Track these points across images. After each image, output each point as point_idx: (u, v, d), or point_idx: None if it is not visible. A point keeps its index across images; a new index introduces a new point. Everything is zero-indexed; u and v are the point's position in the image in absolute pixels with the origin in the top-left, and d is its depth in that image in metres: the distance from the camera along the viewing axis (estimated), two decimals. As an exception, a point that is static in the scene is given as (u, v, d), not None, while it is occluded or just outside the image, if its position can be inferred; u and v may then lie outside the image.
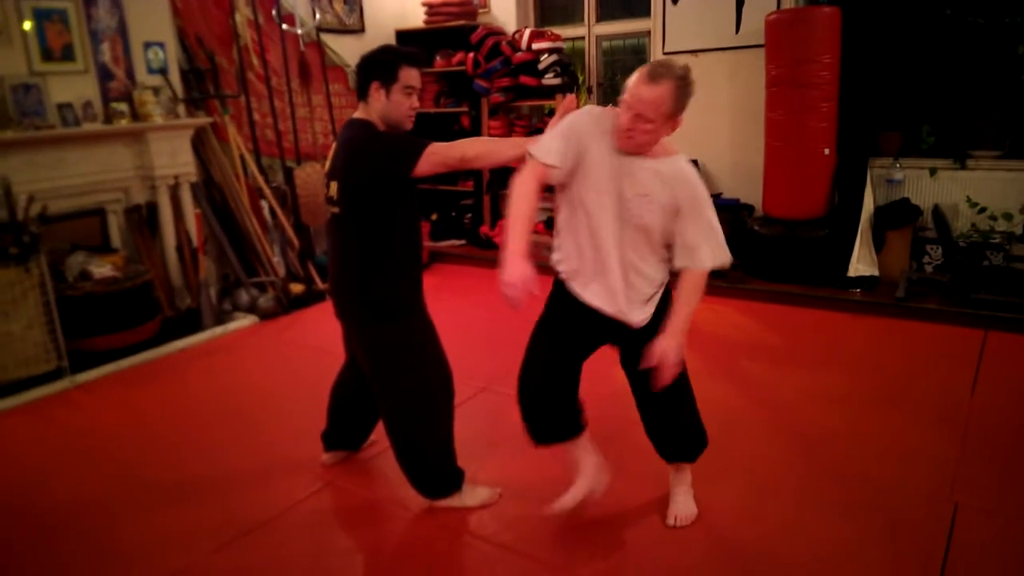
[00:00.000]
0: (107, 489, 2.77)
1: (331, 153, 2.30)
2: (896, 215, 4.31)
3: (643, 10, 5.67)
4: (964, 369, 3.40)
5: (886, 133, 4.47)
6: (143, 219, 4.65)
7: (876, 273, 4.35)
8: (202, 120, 4.84)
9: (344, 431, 2.76)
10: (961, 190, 4.29)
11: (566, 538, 2.30)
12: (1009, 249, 4.00)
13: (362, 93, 2.23)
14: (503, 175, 6.15)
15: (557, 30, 5.96)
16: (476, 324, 4.47)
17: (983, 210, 4.19)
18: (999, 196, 4.17)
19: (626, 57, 6.06)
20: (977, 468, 2.59)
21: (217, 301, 4.85)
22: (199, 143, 4.93)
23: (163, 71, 4.68)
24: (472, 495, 2.46)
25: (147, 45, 4.63)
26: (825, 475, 2.60)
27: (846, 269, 4.38)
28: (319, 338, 4.33)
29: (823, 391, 3.27)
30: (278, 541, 2.36)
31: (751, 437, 2.91)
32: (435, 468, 2.40)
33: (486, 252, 5.91)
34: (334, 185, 2.22)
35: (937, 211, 4.18)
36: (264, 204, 5.23)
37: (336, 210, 2.23)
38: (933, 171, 4.37)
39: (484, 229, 6.17)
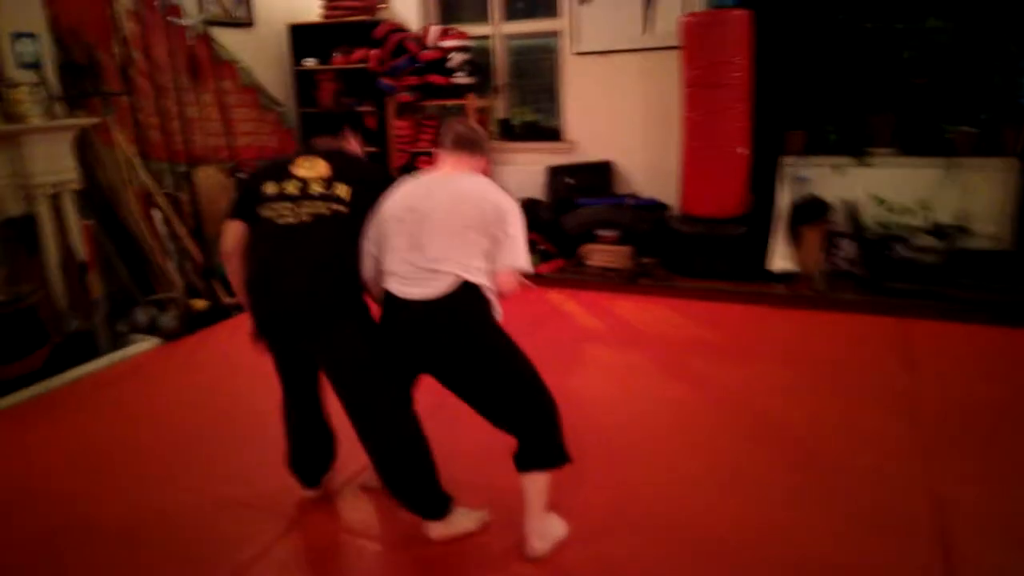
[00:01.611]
0: (12, 555, 2.40)
1: (308, 162, 2.31)
2: (808, 211, 4.54)
3: (549, 10, 5.66)
4: (890, 354, 3.63)
5: (793, 132, 4.70)
6: (19, 234, 4.09)
7: (794, 267, 4.56)
8: (86, 120, 4.33)
9: (319, 460, 2.54)
10: (863, 185, 4.59)
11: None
12: (913, 241, 4.31)
13: (337, 132, 2.62)
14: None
15: (463, 28, 5.83)
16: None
17: (883, 203, 4.50)
18: (898, 190, 4.50)
19: (535, 57, 6.03)
20: (939, 446, 2.75)
21: (109, 322, 4.36)
22: (81, 147, 4.41)
23: (37, 65, 4.14)
24: (467, 517, 2.32)
25: (16, 36, 4.07)
26: (794, 467, 2.66)
27: (763, 264, 4.57)
28: (232, 357, 3.99)
29: (768, 383, 3.38)
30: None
31: (709, 433, 2.95)
32: (428, 477, 2.23)
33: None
34: (343, 187, 2.24)
35: (849, 207, 4.45)
36: (156, 213, 4.76)
37: (341, 209, 2.23)
38: (837, 167, 4.64)
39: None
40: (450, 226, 2.13)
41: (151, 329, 4.42)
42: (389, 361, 2.22)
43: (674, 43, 4.92)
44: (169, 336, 4.38)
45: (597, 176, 5.47)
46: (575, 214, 5.27)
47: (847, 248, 4.51)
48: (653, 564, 2.18)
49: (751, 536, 2.27)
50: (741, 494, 2.50)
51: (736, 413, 3.10)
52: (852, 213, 4.57)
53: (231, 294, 4.95)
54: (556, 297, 4.85)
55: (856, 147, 4.60)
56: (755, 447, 2.81)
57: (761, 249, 4.60)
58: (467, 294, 2.09)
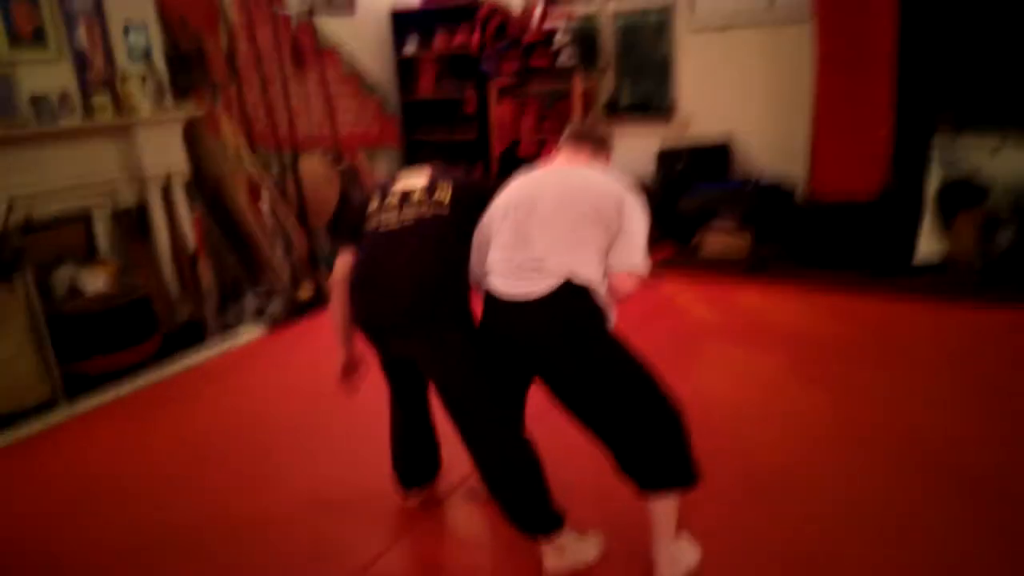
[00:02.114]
0: (117, 545, 2.35)
1: (409, 174, 2.29)
2: (962, 195, 4.03)
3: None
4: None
5: (944, 107, 4.17)
6: (134, 223, 4.16)
7: (943, 258, 4.06)
8: (195, 111, 4.35)
9: (424, 468, 2.38)
10: (1026, 166, 4.03)
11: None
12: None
13: None
14: (515, 163, 5.77)
15: (568, 7, 5.55)
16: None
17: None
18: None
19: (646, 34, 5.67)
20: None
21: (218, 311, 4.38)
22: (189, 137, 4.43)
23: (147, 56, 4.17)
24: (582, 543, 2.08)
25: (127, 28, 4.11)
26: (956, 497, 2.28)
27: (909, 254, 4.09)
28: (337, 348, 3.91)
29: (920, 393, 2.97)
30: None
31: (856, 452, 2.58)
32: (536, 491, 2.00)
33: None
34: (444, 190, 2.17)
35: (1010, 190, 3.91)
36: (263, 203, 4.75)
37: (443, 212, 2.13)
38: (995, 147, 4.09)
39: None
40: (561, 220, 1.94)
41: (258, 318, 4.41)
42: (495, 366, 2.03)
43: (802, 15, 4.49)
44: (275, 324, 4.37)
45: (714, 159, 5.08)
46: (690, 198, 4.92)
47: (1007, 237, 3.96)
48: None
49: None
50: (897, 532, 2.16)
51: (888, 428, 2.71)
52: (1015, 197, 4.02)
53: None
54: (669, 288, 4.53)
55: (1017, 123, 4.03)
56: (913, 474, 2.43)
57: (904, 237, 4.12)
58: (574, 295, 1.88)
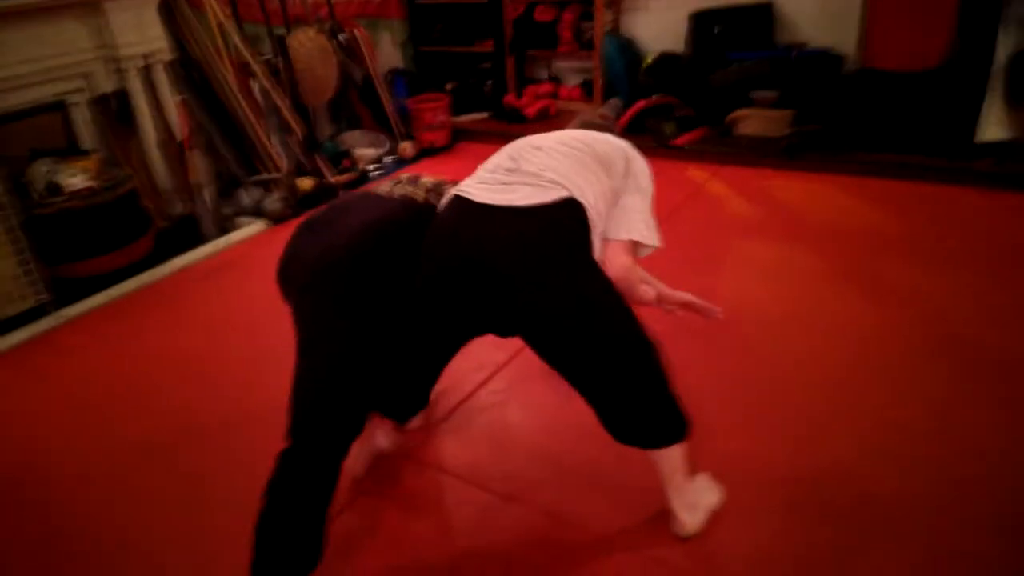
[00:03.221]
0: (110, 462, 2.22)
1: None
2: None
3: None
4: None
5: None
6: (114, 111, 3.83)
7: (1012, 136, 3.60)
8: (170, -20, 3.90)
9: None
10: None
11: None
12: None
13: None
14: (531, 30, 5.24)
15: None
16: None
17: None
18: None
19: None
20: None
21: (215, 205, 4.12)
22: (168, 12, 4.00)
23: (110, -83, 3.68)
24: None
25: None
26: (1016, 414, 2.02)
27: (971, 131, 3.63)
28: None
29: (977, 298, 2.65)
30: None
31: (904, 365, 2.31)
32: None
33: (514, 127, 5.08)
34: None
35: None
36: (255, 84, 4.36)
37: None
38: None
39: (509, 98, 5.30)
40: (566, 150, 1.66)
41: (256, 211, 4.15)
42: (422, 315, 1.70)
43: None
44: (275, 219, 4.11)
45: (754, 22, 4.51)
46: (725, 71, 4.42)
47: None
48: (835, 548, 1.68)
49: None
50: (957, 447, 1.92)
51: (941, 340, 2.43)
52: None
53: (337, 172, 4.60)
54: (698, 174, 4.14)
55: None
56: (970, 386, 2.17)
57: (966, 113, 3.65)
58: (575, 214, 1.54)
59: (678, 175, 4.12)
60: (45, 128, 3.62)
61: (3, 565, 1.89)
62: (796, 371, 2.32)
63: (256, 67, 4.30)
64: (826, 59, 4.19)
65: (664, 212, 3.55)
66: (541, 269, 1.47)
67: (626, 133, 4.19)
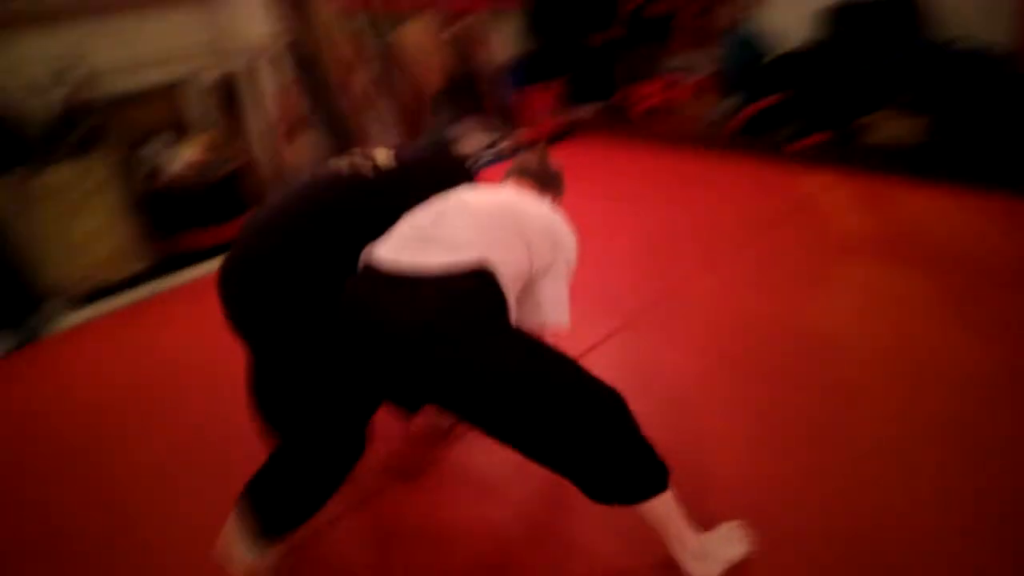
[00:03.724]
0: (171, 436, 2.30)
1: None
2: None
3: None
4: None
5: None
6: (225, 95, 4.03)
7: None
8: (284, -29, 4.03)
9: None
10: None
11: None
12: None
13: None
14: (647, 24, 4.98)
15: None
16: (621, 228, 3.59)
17: None
18: None
19: None
20: None
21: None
22: (281, 2, 4.14)
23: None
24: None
25: None
26: None
27: None
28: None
29: None
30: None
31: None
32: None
33: (618, 126, 4.87)
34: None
35: None
36: (363, 73, 4.43)
37: None
38: None
39: (618, 96, 5.07)
40: (490, 218, 1.54)
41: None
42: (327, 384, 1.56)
43: None
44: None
45: (896, 16, 4.01)
46: (856, 69, 3.97)
47: None
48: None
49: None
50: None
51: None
52: None
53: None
54: (813, 182, 3.75)
55: None
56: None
57: None
58: (485, 283, 1.43)
59: (788, 183, 3.75)
60: (159, 109, 3.86)
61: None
62: (874, 417, 2.01)
63: (364, 56, 4.37)
64: (978, 58, 3.64)
65: (769, 220, 3.26)
66: (456, 336, 1.35)
67: (740, 135, 3.87)
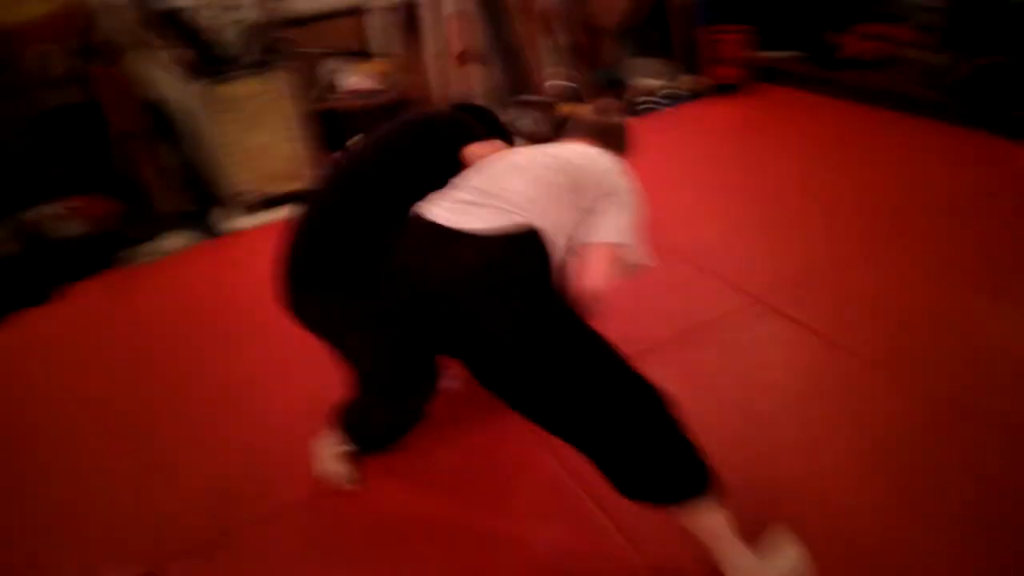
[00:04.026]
0: None
1: None
2: None
3: None
4: None
5: None
6: (407, 20, 4.08)
7: None
8: None
9: None
10: None
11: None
12: None
13: None
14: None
15: None
16: (786, 192, 3.24)
17: None
18: None
19: None
20: None
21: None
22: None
23: None
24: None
25: None
26: None
27: None
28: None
29: None
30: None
31: None
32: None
33: (829, 73, 4.31)
34: None
35: None
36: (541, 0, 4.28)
37: None
38: None
39: (830, 34, 4.46)
40: (540, 174, 1.49)
41: (514, 130, 4.18)
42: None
43: None
44: (527, 139, 4.09)
45: None
46: None
47: None
48: None
49: None
50: None
51: None
52: None
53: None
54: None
55: None
56: None
57: None
58: (533, 248, 1.37)
59: (1005, 153, 3.15)
60: (344, 31, 4.00)
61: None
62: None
63: (546, -15, 4.22)
64: None
65: (961, 207, 2.77)
66: (494, 297, 1.31)
67: (963, 97, 3.19)
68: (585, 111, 1.86)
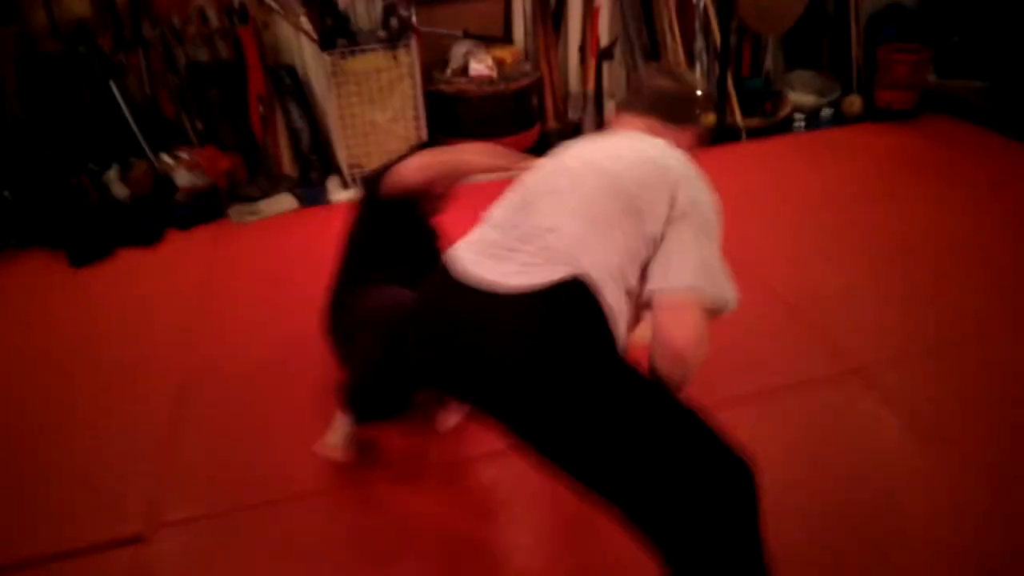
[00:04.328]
0: None
1: None
2: None
3: None
4: None
5: None
6: (551, 9, 3.93)
7: None
8: None
9: None
10: None
11: None
12: None
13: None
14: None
15: None
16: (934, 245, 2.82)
17: None
18: None
19: None
20: None
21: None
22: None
23: None
24: None
25: None
26: None
27: None
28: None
29: None
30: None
31: None
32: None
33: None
34: None
35: None
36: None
37: None
38: None
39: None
40: (594, 198, 1.22)
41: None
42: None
43: None
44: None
45: None
46: None
47: None
48: None
49: None
50: None
51: None
52: None
53: (759, 114, 4.02)
54: None
55: None
56: None
57: None
58: (581, 306, 1.12)
59: None
60: (487, 14, 3.93)
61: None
62: None
63: (701, -17, 3.91)
64: None
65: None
66: (539, 376, 1.10)
67: None
68: (652, 70, 1.55)
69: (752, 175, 3.48)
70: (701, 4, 3.94)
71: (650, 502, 1.06)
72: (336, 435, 1.83)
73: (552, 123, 4.02)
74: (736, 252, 1.40)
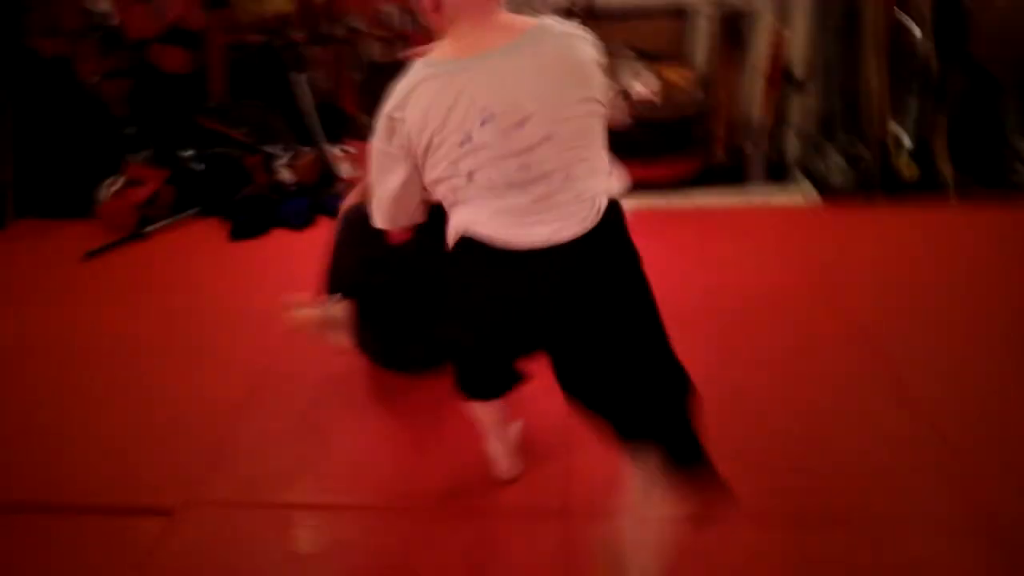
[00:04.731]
0: None
1: None
2: None
3: None
4: None
5: None
6: (729, 31, 3.62)
7: None
8: None
9: None
10: None
11: None
12: None
13: None
14: None
15: None
16: None
17: None
18: None
19: None
20: None
21: (781, 158, 3.63)
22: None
23: None
24: None
25: None
26: None
27: None
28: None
29: None
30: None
31: None
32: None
33: None
34: None
35: None
36: (909, 23, 3.41)
37: None
38: None
39: None
40: (560, 115, 1.26)
41: (822, 178, 3.49)
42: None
43: None
44: (833, 193, 3.40)
45: None
46: None
47: None
48: None
49: None
50: None
51: None
52: None
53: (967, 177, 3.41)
54: None
55: None
56: None
57: None
58: (613, 220, 1.32)
59: None
60: (661, 31, 3.70)
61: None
62: None
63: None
64: None
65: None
66: (611, 286, 1.34)
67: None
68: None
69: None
70: (916, 30, 3.38)
71: (647, 372, 1.35)
72: (317, 311, 1.84)
73: (720, 154, 3.70)
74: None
